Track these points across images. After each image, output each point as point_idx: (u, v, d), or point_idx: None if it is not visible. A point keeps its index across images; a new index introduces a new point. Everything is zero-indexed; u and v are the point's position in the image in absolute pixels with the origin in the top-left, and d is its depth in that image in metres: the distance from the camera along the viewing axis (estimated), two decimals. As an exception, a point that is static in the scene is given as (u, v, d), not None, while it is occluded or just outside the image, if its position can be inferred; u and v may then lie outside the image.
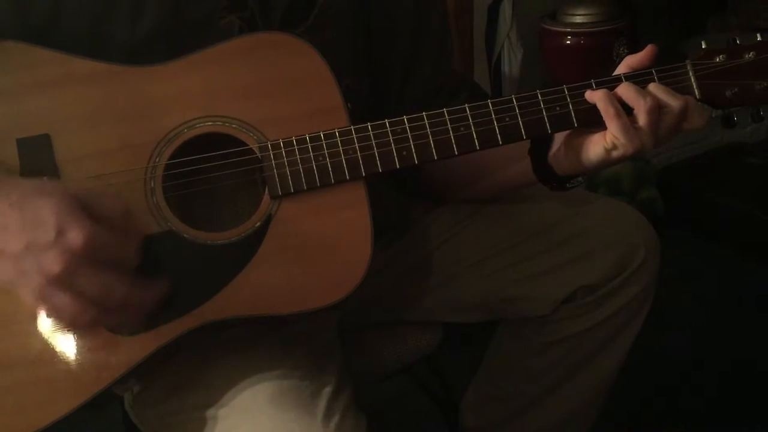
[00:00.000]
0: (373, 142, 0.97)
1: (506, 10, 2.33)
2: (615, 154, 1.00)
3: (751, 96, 1.02)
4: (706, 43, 1.04)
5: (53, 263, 0.80)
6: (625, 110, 0.98)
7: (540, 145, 1.10)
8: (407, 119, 0.97)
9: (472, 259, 1.28)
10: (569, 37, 2.38)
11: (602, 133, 1.00)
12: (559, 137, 1.07)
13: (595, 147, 1.02)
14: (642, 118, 0.97)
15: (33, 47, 0.94)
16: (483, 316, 1.32)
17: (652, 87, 0.99)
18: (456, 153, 0.98)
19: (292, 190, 0.95)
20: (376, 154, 0.97)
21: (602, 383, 1.33)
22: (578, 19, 2.37)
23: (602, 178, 2.58)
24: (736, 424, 1.87)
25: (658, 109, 0.98)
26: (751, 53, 1.01)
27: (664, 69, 1.01)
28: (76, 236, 0.80)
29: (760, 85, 1.01)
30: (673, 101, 0.98)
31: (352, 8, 1.12)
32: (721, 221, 2.61)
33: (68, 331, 0.91)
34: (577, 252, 1.23)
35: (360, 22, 1.14)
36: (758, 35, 1.02)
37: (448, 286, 1.29)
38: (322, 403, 0.99)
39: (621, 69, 1.03)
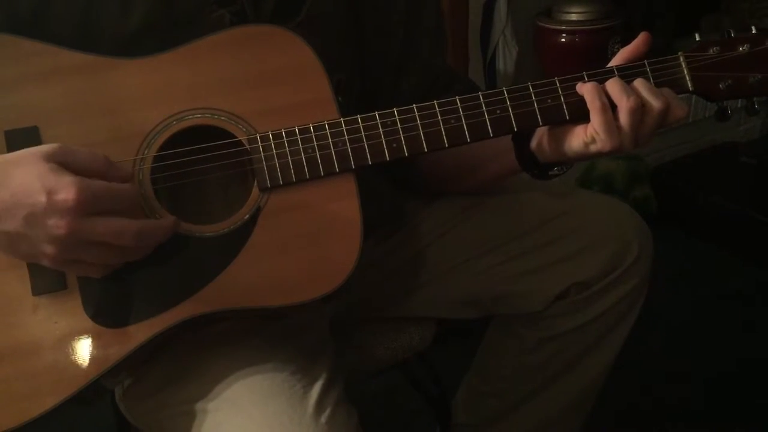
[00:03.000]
0: (363, 134, 0.96)
1: (501, 7, 2.32)
2: (593, 148, 1.00)
3: (745, 88, 1.02)
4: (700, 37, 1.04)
5: (57, 228, 0.82)
6: (612, 106, 0.98)
7: (523, 133, 1.10)
8: (397, 111, 0.97)
9: (465, 255, 1.27)
10: (564, 35, 2.38)
11: (585, 125, 1.00)
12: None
13: (576, 139, 1.02)
14: (623, 118, 0.97)
15: (22, 39, 0.94)
16: (476, 313, 1.32)
17: (638, 83, 0.99)
18: (446, 145, 0.98)
19: (281, 183, 0.95)
20: (366, 146, 0.96)
21: (594, 380, 1.33)
22: (573, 17, 2.37)
23: (596, 176, 2.59)
24: (727, 424, 1.87)
25: (640, 109, 0.98)
26: (745, 46, 1.01)
27: (656, 61, 1.01)
28: (66, 193, 0.82)
29: (754, 77, 1.01)
30: (654, 101, 0.98)
31: (343, 4, 1.12)
32: (713, 220, 2.61)
33: (57, 323, 0.91)
34: (570, 248, 1.23)
35: (352, 18, 1.14)
36: (753, 28, 1.02)
37: (441, 283, 1.29)
38: (314, 396, 0.98)
39: (616, 61, 1.03)
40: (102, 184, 0.85)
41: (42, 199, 0.81)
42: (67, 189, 0.82)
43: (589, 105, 0.98)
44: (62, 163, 0.84)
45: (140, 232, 0.87)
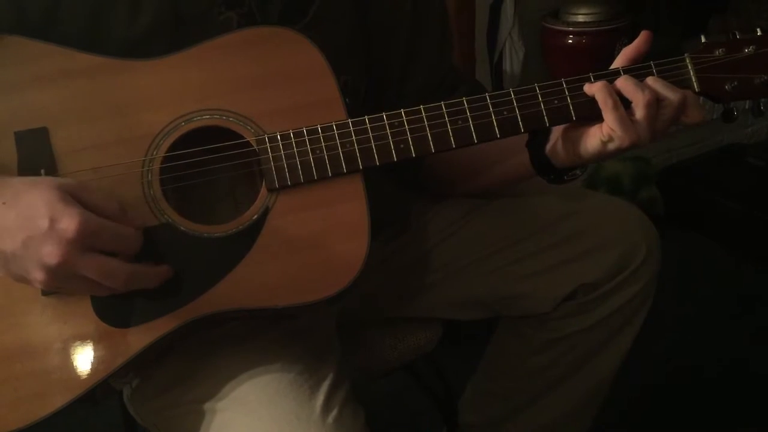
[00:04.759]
0: (371, 135, 0.96)
1: (508, 8, 2.32)
2: (611, 146, 1.00)
3: (751, 90, 1.02)
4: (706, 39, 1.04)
5: (51, 255, 0.82)
6: (623, 103, 0.98)
7: (537, 138, 1.10)
8: (405, 112, 0.97)
9: (472, 256, 1.27)
10: (571, 36, 2.39)
11: (599, 125, 1.00)
12: (557, 130, 1.07)
13: (592, 139, 1.02)
14: (639, 112, 0.98)
15: (32, 41, 0.94)
16: (483, 314, 1.32)
17: (651, 80, 0.99)
18: (454, 146, 0.98)
19: (289, 183, 0.95)
20: (374, 147, 0.96)
21: (601, 382, 1.33)
22: (580, 19, 2.38)
23: (603, 178, 2.58)
24: (731, 426, 1.86)
25: (656, 102, 0.98)
26: (751, 47, 1.01)
27: (663, 62, 1.02)
28: (68, 224, 0.81)
29: (759, 78, 1.01)
30: (672, 95, 0.98)
31: (350, 6, 1.12)
32: (720, 222, 2.61)
33: (66, 323, 0.92)
34: (578, 250, 1.23)
35: (358, 20, 1.14)
36: (758, 30, 1.02)
37: (448, 283, 1.29)
38: (321, 396, 0.99)
39: (619, 61, 1.03)
40: (105, 222, 0.85)
41: (44, 224, 0.81)
42: (69, 219, 0.82)
43: (602, 103, 0.98)
44: (75, 196, 0.84)
45: (131, 277, 0.87)
